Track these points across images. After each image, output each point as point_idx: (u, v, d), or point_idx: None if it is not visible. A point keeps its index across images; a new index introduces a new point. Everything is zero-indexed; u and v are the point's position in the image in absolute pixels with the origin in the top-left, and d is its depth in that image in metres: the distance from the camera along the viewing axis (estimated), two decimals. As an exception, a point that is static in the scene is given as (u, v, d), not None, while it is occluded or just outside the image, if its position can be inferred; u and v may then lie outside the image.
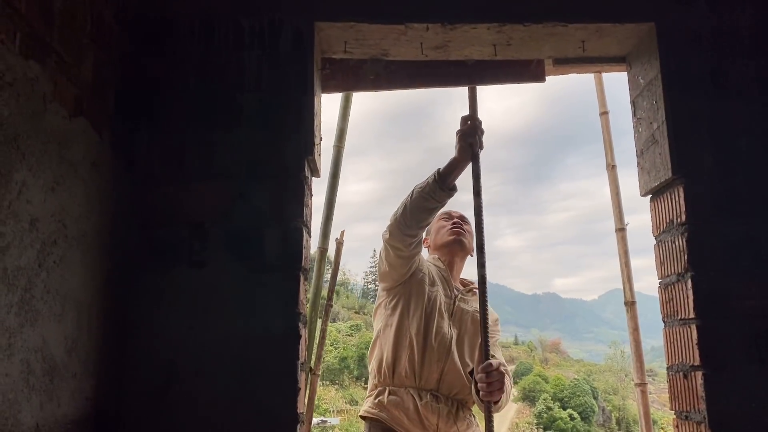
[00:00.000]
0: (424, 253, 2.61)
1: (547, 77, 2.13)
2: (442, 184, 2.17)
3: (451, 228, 2.53)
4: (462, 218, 2.60)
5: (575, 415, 38.15)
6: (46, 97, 1.29)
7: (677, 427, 1.75)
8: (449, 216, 2.59)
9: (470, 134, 2.18)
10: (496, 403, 2.10)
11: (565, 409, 38.45)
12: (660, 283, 1.85)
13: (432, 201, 2.18)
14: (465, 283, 2.63)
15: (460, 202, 2.62)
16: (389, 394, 2.30)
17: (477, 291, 2.52)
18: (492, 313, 2.54)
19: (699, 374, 1.64)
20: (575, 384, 42.21)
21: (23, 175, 1.19)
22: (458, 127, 2.24)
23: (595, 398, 42.40)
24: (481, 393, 2.09)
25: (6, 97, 1.14)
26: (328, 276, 4.24)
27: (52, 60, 1.32)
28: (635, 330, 3.32)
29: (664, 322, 1.83)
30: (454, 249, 2.52)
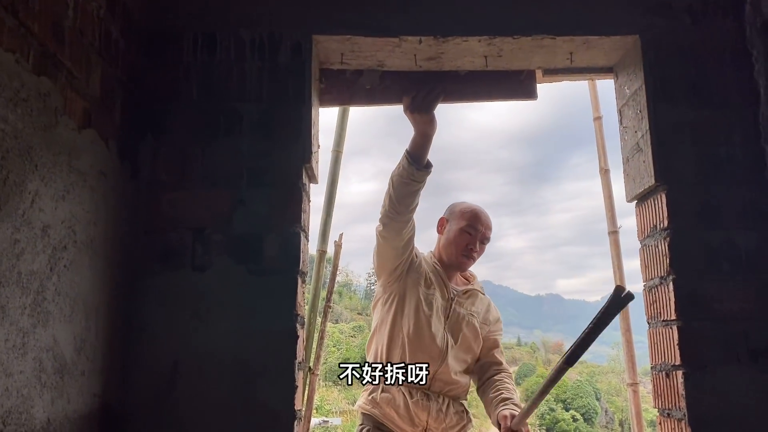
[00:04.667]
0: (434, 238, 2.61)
1: (537, 85, 2.20)
2: (418, 165, 2.18)
3: (465, 254, 2.46)
4: (484, 238, 2.49)
5: (578, 416, 38.08)
6: (57, 110, 1.37)
7: (660, 424, 1.83)
8: (474, 231, 2.45)
9: (415, 107, 2.10)
10: None
11: (567, 411, 38.38)
12: (644, 285, 1.92)
13: (413, 183, 2.19)
14: (467, 278, 2.60)
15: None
16: (382, 391, 2.35)
17: (476, 291, 2.53)
18: (493, 312, 2.57)
19: (680, 373, 1.71)
20: (578, 385, 42.13)
21: (36, 185, 1.27)
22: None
23: (598, 399, 42.32)
24: None
25: (20, 113, 1.21)
26: (329, 274, 4.31)
27: (63, 75, 1.40)
28: (627, 331, 3.38)
29: (648, 323, 1.90)
30: (453, 269, 2.52)
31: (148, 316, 1.72)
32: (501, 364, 2.52)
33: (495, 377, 2.45)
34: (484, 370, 2.49)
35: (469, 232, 2.45)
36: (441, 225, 2.58)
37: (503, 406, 2.25)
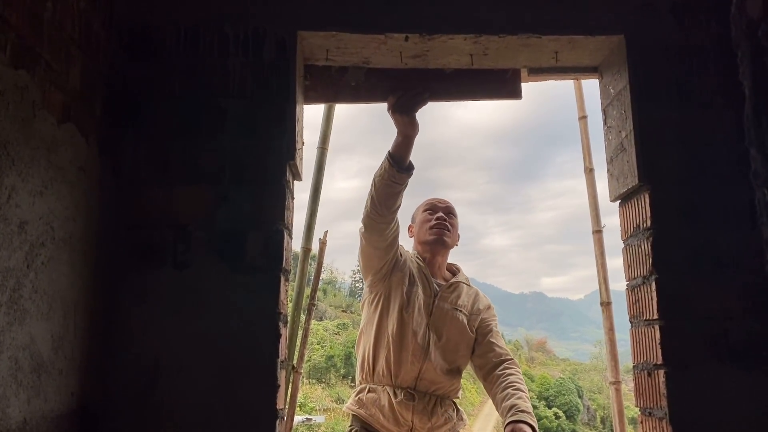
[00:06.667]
0: (409, 242, 2.61)
1: (522, 84, 2.20)
2: (399, 167, 2.18)
3: (434, 225, 2.49)
4: (447, 211, 2.54)
5: (560, 413, 38.43)
6: (35, 104, 1.34)
7: (642, 423, 1.84)
8: (434, 209, 2.53)
9: (399, 107, 2.11)
10: None
11: (550, 408, 38.72)
12: (627, 285, 1.93)
13: (394, 185, 2.19)
14: (452, 270, 2.60)
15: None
16: (368, 391, 2.35)
17: (460, 284, 2.52)
18: (482, 300, 2.55)
19: (661, 372, 1.72)
20: (560, 383, 42.50)
21: (13, 180, 1.24)
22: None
23: (580, 397, 42.72)
24: None
25: (-3, 106, 1.19)
26: (313, 271, 4.28)
27: (41, 68, 1.37)
28: (611, 330, 3.41)
29: (631, 323, 1.91)
30: (435, 248, 2.50)
31: (128, 314, 1.69)
32: (500, 351, 2.40)
33: (498, 372, 2.33)
34: (485, 361, 2.39)
35: (430, 211, 2.54)
36: (410, 229, 2.65)
37: (510, 415, 2.12)
